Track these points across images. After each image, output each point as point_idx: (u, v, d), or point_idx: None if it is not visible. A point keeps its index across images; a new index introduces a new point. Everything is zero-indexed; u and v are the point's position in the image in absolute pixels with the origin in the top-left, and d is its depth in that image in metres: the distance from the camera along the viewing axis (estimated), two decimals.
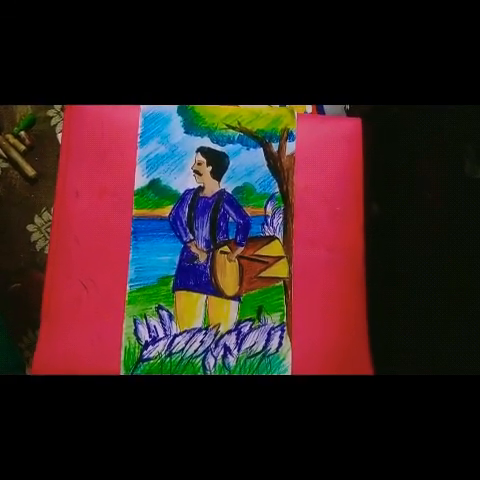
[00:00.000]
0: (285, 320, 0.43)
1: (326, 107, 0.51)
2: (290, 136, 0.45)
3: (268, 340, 0.43)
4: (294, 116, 0.46)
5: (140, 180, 0.43)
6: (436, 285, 0.40)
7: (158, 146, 0.44)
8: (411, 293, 0.44)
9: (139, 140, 0.44)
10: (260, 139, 0.45)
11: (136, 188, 0.43)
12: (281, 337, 0.43)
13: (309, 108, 0.50)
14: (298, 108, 0.50)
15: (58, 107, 0.49)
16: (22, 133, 0.48)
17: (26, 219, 0.48)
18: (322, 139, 0.46)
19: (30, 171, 0.48)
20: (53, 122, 0.49)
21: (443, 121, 0.37)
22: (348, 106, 0.53)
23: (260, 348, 0.42)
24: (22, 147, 0.48)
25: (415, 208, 0.44)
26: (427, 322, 0.41)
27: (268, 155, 0.45)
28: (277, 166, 0.45)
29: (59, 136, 0.48)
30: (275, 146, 0.45)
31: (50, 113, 0.49)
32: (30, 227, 0.48)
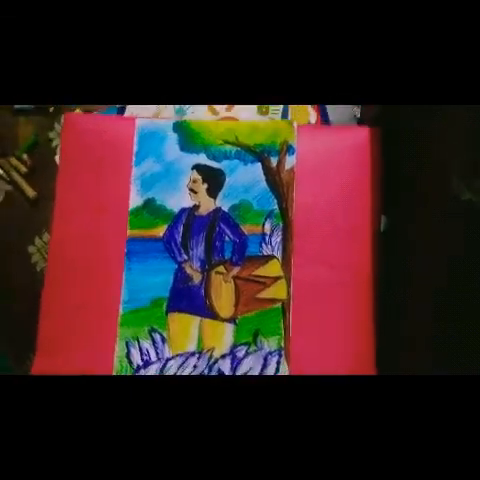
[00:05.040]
0: (283, 345, 0.41)
1: (332, 116, 0.48)
2: (290, 149, 0.43)
3: (265, 366, 0.41)
4: (293, 128, 0.43)
5: (135, 200, 0.43)
6: (446, 300, 0.36)
7: (153, 165, 0.43)
8: (424, 316, 0.40)
9: (134, 159, 0.43)
10: (258, 153, 0.43)
11: (131, 208, 0.43)
12: (278, 363, 0.40)
13: (313, 118, 0.47)
14: (301, 118, 0.47)
15: (59, 129, 0.49)
16: (24, 155, 0.49)
17: (27, 240, 0.48)
18: (324, 151, 0.44)
19: (30, 192, 0.48)
20: (54, 144, 0.49)
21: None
22: (358, 114, 0.49)
23: (256, 374, 0.40)
24: (23, 169, 0.49)
25: (428, 222, 0.40)
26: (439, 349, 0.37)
27: (266, 170, 0.43)
28: (276, 181, 0.43)
29: (57, 158, 0.48)
30: (274, 160, 0.43)
31: (51, 135, 0.50)
32: (31, 248, 0.48)
